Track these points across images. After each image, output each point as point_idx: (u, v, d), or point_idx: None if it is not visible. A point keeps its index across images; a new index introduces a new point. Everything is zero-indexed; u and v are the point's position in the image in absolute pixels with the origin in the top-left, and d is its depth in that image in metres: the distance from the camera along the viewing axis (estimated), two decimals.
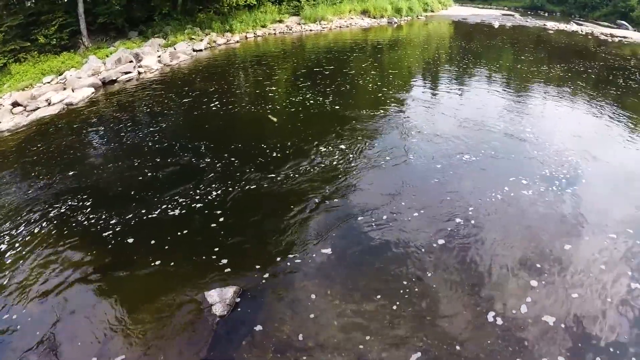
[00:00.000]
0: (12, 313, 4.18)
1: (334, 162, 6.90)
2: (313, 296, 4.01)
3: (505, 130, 8.16)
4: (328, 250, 4.66)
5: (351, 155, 7.14)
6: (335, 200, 5.73)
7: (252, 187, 6.22)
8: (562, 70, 13.94)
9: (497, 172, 6.47)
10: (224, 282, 4.25)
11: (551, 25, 26.36)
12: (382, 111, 9.53)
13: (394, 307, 3.88)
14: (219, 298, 4.01)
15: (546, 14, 38.33)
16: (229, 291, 4.07)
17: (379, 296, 4.01)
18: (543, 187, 5.98)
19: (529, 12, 41.01)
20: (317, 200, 5.72)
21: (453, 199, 5.64)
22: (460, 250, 4.66)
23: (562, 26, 25.97)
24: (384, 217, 5.26)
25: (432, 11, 34.77)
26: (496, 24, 28.15)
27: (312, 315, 3.81)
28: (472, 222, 5.15)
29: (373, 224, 5.12)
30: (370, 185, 6.13)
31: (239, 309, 3.95)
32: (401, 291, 4.07)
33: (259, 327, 3.73)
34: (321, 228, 5.10)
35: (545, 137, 7.82)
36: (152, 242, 5.09)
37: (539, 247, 4.72)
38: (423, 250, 4.66)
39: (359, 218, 5.27)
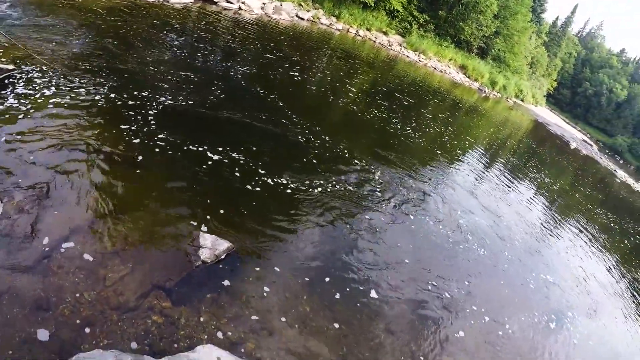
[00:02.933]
0: (27, 149, 4.22)
1: (384, 191, 6.80)
2: (289, 295, 3.96)
3: (538, 248, 7.98)
4: (328, 268, 4.56)
5: (405, 192, 7.06)
6: (362, 228, 5.55)
7: (297, 170, 6.11)
8: (611, 221, 13.58)
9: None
10: (222, 234, 4.18)
11: (621, 174, 25.81)
12: (443, 164, 9.62)
13: (351, 341, 3.83)
14: (210, 245, 3.94)
15: (621, 161, 37.66)
16: (224, 245, 3.99)
17: (337, 324, 3.91)
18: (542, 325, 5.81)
19: (607, 151, 40.31)
20: (346, 218, 5.59)
21: (468, 299, 5.41)
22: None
23: (631, 181, 25.35)
24: (390, 274, 5.15)
25: (522, 100, 34.77)
26: (572, 145, 27.90)
27: (280, 309, 3.75)
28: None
29: (384, 271, 5.02)
30: (394, 231, 5.90)
31: (221, 265, 3.88)
32: (365, 334, 4.00)
33: (229, 290, 3.70)
34: (334, 246, 4.97)
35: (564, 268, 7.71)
36: (179, 163, 5.09)
37: None
38: (402, 313, 4.55)
39: (372, 256, 5.12)
